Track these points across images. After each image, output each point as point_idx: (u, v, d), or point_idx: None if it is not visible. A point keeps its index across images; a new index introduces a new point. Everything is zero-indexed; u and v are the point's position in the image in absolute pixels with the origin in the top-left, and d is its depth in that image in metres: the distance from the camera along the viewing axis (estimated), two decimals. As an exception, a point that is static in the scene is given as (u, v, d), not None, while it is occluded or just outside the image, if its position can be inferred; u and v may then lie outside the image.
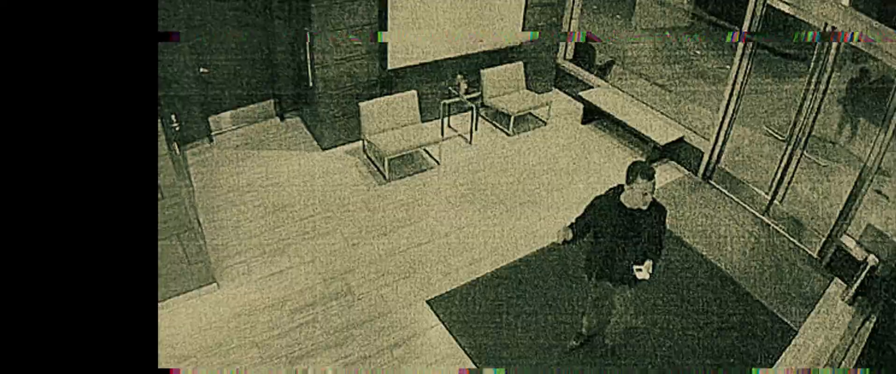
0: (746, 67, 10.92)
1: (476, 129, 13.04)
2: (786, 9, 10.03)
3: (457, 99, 12.66)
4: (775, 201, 11.29)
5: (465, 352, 8.32)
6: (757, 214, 11.54)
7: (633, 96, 13.74)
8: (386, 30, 11.27)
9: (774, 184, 11.21)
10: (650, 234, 6.85)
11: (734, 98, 11.28)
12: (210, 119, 11.72)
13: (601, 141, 13.39)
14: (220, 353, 7.96)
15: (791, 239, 10.99)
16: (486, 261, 9.85)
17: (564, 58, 14.99)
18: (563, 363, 8.32)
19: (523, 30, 13.23)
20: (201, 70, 10.97)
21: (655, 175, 6.58)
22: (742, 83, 11.09)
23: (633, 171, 6.54)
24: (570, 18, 14.47)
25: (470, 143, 12.79)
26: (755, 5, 10.39)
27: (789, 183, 11.00)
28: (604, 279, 7.45)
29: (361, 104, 11.25)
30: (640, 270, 6.80)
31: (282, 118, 12.64)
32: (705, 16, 17.42)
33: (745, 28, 10.61)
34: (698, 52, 16.63)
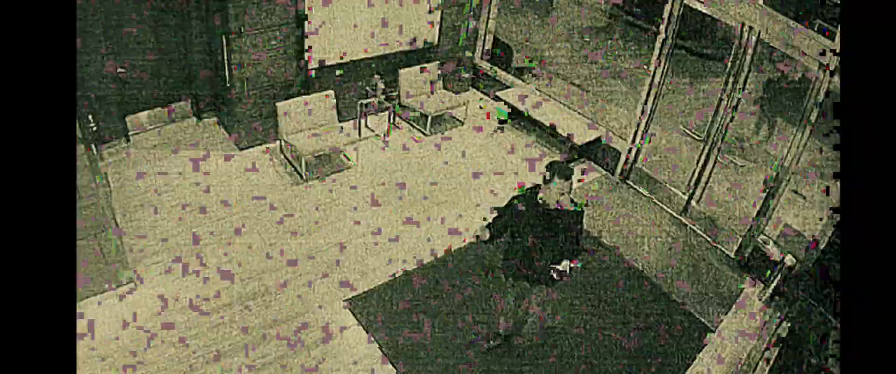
0: (664, 68, 11.01)
1: (393, 129, 13.06)
2: (703, 9, 10.22)
3: (374, 99, 12.69)
4: (692, 201, 11.41)
5: (382, 352, 8.33)
6: (674, 214, 11.65)
7: (550, 96, 13.81)
8: (304, 30, 11.31)
9: (692, 184, 11.32)
10: (568, 234, 6.94)
11: (652, 98, 11.38)
12: (127, 119, 11.52)
13: (519, 141, 13.49)
14: (138, 353, 7.86)
15: (708, 239, 11.12)
16: (403, 261, 9.95)
17: (482, 58, 15.08)
18: (480, 362, 8.36)
19: (440, 30, 13.35)
20: (118, 70, 10.88)
21: (573, 175, 6.73)
22: (660, 84, 11.17)
23: (551, 171, 6.62)
24: (488, 19, 14.57)
25: (387, 143, 12.79)
26: (672, 5, 10.53)
27: (707, 183, 11.12)
28: (521, 279, 7.51)
29: (278, 104, 11.18)
30: (558, 269, 6.92)
31: (199, 118, 12.47)
32: (623, 16, 17.60)
33: (662, 28, 10.75)
34: (616, 52, 16.80)
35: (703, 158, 11.01)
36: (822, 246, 9.23)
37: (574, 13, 17.69)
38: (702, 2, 10.10)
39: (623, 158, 12.34)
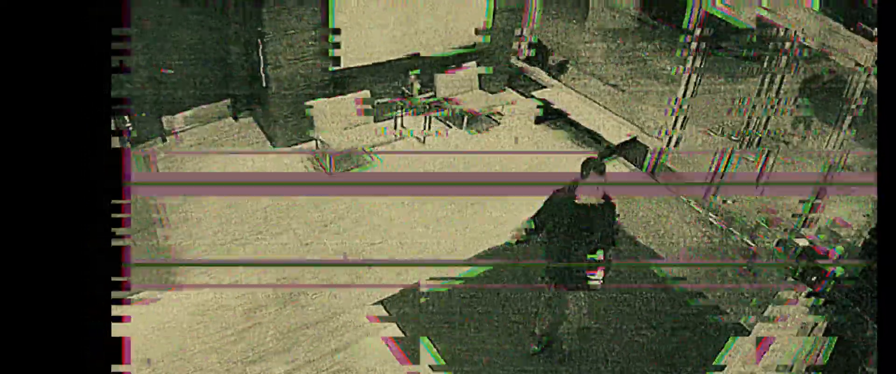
0: (698, 67, 10.98)
1: (429, 128, 13.10)
2: (721, 13, 10.15)
3: (410, 99, 12.68)
4: (728, 200, 11.34)
5: (418, 353, 8.35)
6: (707, 212, 11.56)
7: (586, 96, 13.80)
8: (334, 31, 11.39)
9: (723, 182, 11.26)
10: (603, 228, 7.10)
11: (684, 97, 11.36)
12: (164, 119, 11.66)
13: (555, 141, 13.50)
14: (184, 358, 7.92)
15: (743, 238, 11.06)
16: (439, 261, 9.88)
17: (518, 58, 15.06)
18: (515, 363, 8.35)
19: (478, 32, 13.37)
20: (167, 71, 11.02)
21: (606, 170, 6.84)
22: (694, 83, 11.15)
23: (587, 166, 6.80)
24: (530, 22, 14.57)
25: (423, 143, 12.83)
26: (694, 11, 10.47)
27: (739, 182, 11.05)
28: (558, 281, 7.57)
29: (314, 104, 11.24)
30: (594, 277, 7.03)
31: (235, 118, 12.58)
32: (649, 20, 17.59)
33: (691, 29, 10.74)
34: (648, 52, 16.78)
35: (736, 156, 10.94)
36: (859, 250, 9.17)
37: (607, 17, 17.69)
38: (728, 5, 10.05)
39: (655, 156, 12.31)
